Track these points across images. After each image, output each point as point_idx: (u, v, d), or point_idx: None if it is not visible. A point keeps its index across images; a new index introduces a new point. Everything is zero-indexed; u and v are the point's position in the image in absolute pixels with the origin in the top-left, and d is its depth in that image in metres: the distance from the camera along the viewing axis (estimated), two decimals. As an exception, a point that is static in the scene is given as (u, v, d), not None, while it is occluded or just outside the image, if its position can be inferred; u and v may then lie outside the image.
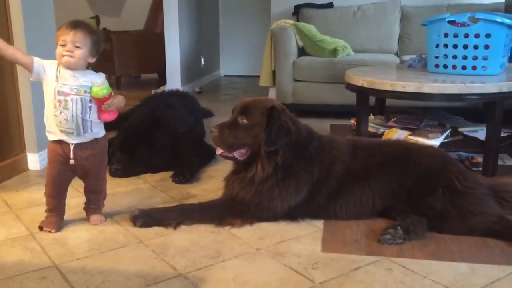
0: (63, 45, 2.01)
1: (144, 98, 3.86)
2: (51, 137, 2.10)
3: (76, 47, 2.01)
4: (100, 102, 2.06)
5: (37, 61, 2.04)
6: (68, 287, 1.71)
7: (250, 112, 2.21)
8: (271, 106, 2.22)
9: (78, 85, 2.04)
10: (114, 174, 2.88)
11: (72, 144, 2.09)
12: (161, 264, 1.88)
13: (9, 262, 1.89)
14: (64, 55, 2.01)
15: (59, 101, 2.03)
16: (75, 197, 2.44)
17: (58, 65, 2.05)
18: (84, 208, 2.29)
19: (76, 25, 2.04)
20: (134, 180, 2.87)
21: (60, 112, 2.04)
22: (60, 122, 2.05)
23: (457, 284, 1.73)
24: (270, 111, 2.19)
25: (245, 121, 2.20)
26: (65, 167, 2.12)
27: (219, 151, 2.26)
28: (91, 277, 1.77)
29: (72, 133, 2.07)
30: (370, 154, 2.33)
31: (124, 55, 6.16)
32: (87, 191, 2.26)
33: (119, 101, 2.12)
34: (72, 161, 2.11)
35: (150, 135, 2.99)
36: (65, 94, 2.03)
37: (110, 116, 2.12)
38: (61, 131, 2.07)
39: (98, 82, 2.07)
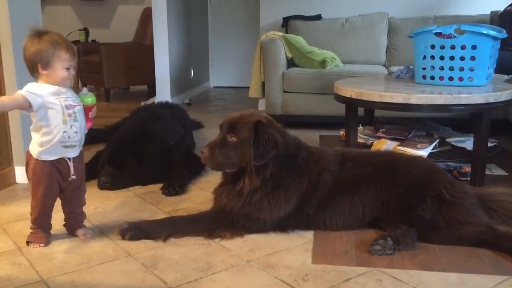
0: (68, 69, 2.03)
1: (133, 110, 3.86)
2: (49, 157, 2.05)
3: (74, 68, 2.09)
4: (87, 110, 2.14)
5: (28, 94, 1.97)
6: (56, 302, 1.69)
7: (238, 129, 2.19)
8: (257, 120, 2.21)
9: (75, 96, 2.09)
10: (102, 186, 2.86)
11: (70, 158, 2.09)
12: (151, 277, 1.86)
13: (-4, 277, 1.87)
14: (68, 79, 2.05)
15: (69, 114, 2.03)
16: (60, 211, 2.42)
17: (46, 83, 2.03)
18: (66, 225, 2.25)
19: (72, 47, 2.06)
20: (123, 192, 2.85)
21: (71, 126, 2.04)
22: (69, 136, 2.04)
23: (447, 294, 1.74)
24: (256, 126, 2.19)
25: (234, 138, 2.19)
26: (57, 186, 2.11)
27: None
28: (79, 292, 1.76)
29: (76, 145, 2.09)
30: (358, 164, 2.34)
31: (113, 67, 6.15)
32: (72, 206, 2.22)
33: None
34: (73, 177, 2.11)
35: (139, 147, 2.98)
36: (72, 106, 2.05)
37: (91, 124, 2.19)
38: (66, 147, 2.06)
39: (83, 92, 2.15)
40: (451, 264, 1.96)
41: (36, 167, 2.06)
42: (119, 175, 2.90)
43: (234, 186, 2.24)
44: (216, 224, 2.22)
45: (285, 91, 4.49)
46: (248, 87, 4.85)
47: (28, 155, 2.09)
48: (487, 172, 2.99)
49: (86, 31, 7.08)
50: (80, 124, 2.08)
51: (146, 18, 6.31)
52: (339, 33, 5.13)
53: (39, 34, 2.01)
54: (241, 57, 7.29)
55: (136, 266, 1.95)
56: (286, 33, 5.10)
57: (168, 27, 5.54)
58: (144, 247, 2.11)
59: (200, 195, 2.78)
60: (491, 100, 2.75)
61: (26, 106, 1.97)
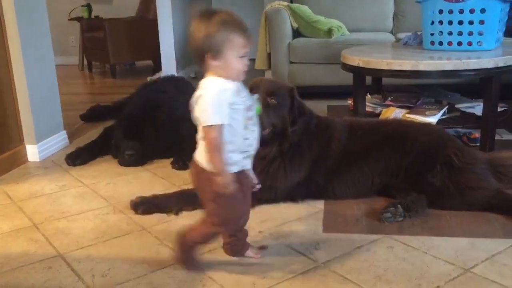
0: (243, 57, 1.56)
1: (140, 86, 3.85)
2: (231, 168, 1.60)
3: None
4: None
5: (220, 118, 1.51)
6: (74, 276, 1.73)
7: (277, 93, 2.20)
8: (292, 87, 2.27)
9: (249, 95, 1.66)
10: (128, 161, 2.85)
11: (249, 168, 1.70)
12: (165, 250, 1.90)
13: (14, 253, 1.91)
14: (244, 71, 1.58)
15: (250, 118, 1.60)
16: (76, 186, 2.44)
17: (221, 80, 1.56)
18: (231, 246, 1.81)
19: (247, 29, 1.57)
20: (133, 168, 2.86)
21: (252, 131, 1.62)
22: (251, 144, 1.63)
23: (457, 258, 1.76)
24: (292, 92, 2.24)
25: (273, 101, 2.19)
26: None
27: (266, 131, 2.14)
28: (96, 265, 1.79)
29: (253, 154, 1.68)
30: (367, 133, 2.35)
31: (118, 42, 6.11)
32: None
33: None
34: (258, 186, 1.73)
35: (152, 118, 2.97)
36: (251, 107, 1.63)
37: None
38: (246, 158, 1.65)
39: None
40: (461, 229, 1.97)
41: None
42: (141, 147, 2.89)
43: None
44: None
45: (291, 62, 4.44)
46: (254, 59, 4.81)
47: (200, 167, 1.63)
48: (497, 137, 2.97)
49: (89, 7, 7.01)
50: (258, 129, 1.67)
51: (149, -9, 6.24)
52: (345, 0, 5.05)
53: (208, 15, 1.54)
54: (246, 28, 7.20)
55: (150, 239, 1.98)
56: (291, 2, 5.02)
57: (171, 0, 5.47)
58: (157, 221, 2.14)
59: (210, 168, 2.80)
60: (501, 64, 2.71)
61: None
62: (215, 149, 1.54)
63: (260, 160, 2.21)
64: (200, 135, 1.60)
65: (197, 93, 1.56)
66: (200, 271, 1.73)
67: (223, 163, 1.54)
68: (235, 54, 1.54)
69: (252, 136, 1.62)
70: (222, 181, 1.54)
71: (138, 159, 2.86)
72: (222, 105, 1.52)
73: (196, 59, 1.59)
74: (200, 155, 1.63)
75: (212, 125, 1.51)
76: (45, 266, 1.80)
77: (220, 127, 1.51)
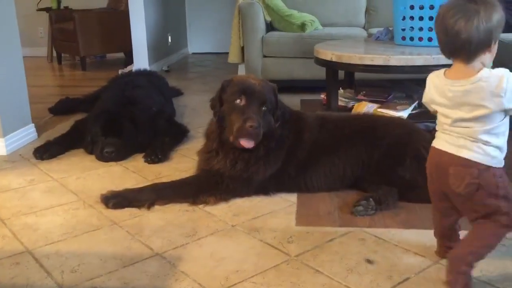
0: None
1: (111, 79, 3.79)
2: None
3: None
4: None
5: None
6: (43, 272, 1.69)
7: (268, 98, 2.22)
8: (274, 86, 2.31)
9: None
10: (107, 158, 2.77)
11: None
12: (137, 244, 1.87)
13: (-21, 250, 1.86)
14: None
15: None
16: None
17: None
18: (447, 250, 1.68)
19: None
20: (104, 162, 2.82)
21: None
22: None
23: (427, 250, 1.79)
24: (275, 91, 2.29)
25: (265, 108, 2.21)
26: None
27: (250, 144, 2.15)
28: (66, 261, 1.76)
29: None
30: (338, 126, 2.38)
31: (88, 34, 5.99)
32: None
33: None
34: None
35: (129, 114, 2.92)
36: None
37: None
38: None
39: None
40: (431, 222, 1.99)
41: (506, 180, 1.48)
42: (121, 143, 2.82)
43: (233, 152, 2.23)
44: (200, 188, 2.23)
45: (265, 56, 4.44)
46: (227, 53, 4.79)
47: (482, 166, 1.45)
48: (465, 131, 3.02)
49: (58, -3, 6.85)
50: None
51: (120, -18, 6.13)
52: (318, -6, 5.06)
53: None
54: (220, 22, 7.16)
55: (122, 234, 1.96)
56: (265, -4, 5.01)
57: (143, -8, 5.39)
58: (128, 215, 2.11)
59: (183, 162, 2.78)
60: (470, 60, 2.76)
61: None
62: None
63: (243, 160, 2.21)
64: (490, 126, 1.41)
65: (504, 85, 1.34)
66: None
67: None
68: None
69: None
70: None
71: (117, 156, 2.80)
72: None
73: (473, 52, 1.36)
74: (479, 154, 1.45)
75: None
76: (13, 262, 1.75)
77: None
